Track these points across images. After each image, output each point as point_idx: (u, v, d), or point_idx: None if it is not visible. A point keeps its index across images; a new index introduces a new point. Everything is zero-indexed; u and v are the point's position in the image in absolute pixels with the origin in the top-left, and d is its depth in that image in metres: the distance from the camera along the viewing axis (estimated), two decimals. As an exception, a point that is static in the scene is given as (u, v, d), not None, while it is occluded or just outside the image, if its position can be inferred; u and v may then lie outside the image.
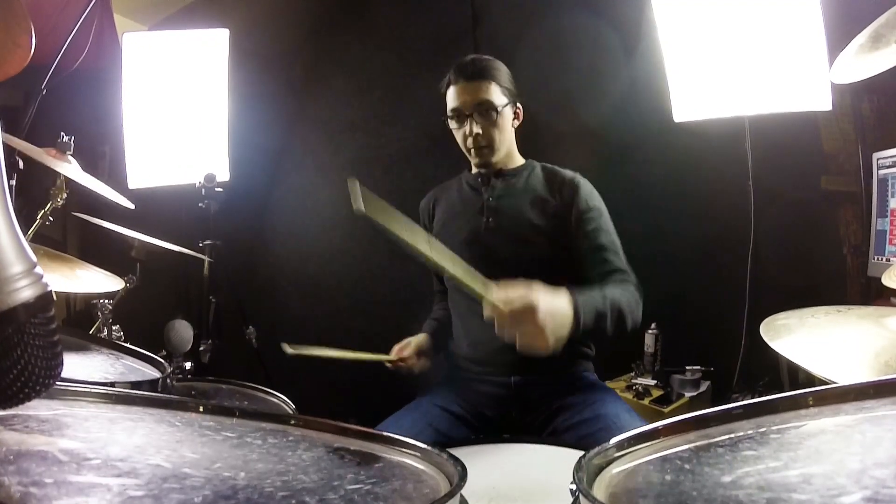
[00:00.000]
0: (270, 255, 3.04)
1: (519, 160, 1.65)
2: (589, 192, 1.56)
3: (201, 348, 2.15)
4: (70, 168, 1.58)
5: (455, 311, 1.63)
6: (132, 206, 1.79)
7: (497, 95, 1.53)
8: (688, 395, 2.18)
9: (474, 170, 1.65)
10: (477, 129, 1.52)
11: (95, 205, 1.91)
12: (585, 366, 1.57)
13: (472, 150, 1.56)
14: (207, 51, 2.72)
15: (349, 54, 2.94)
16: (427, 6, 2.79)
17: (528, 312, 1.08)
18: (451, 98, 1.56)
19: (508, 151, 1.62)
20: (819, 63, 2.01)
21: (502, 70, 1.58)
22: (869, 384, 0.61)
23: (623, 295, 1.37)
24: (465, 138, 1.56)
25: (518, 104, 1.61)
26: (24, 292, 0.48)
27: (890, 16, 1.21)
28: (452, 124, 1.58)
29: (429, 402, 1.47)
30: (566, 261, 1.52)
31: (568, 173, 1.59)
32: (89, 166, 1.75)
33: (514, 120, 1.60)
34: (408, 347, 1.55)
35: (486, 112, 1.53)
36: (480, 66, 1.55)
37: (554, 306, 1.13)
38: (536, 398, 1.46)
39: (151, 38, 2.77)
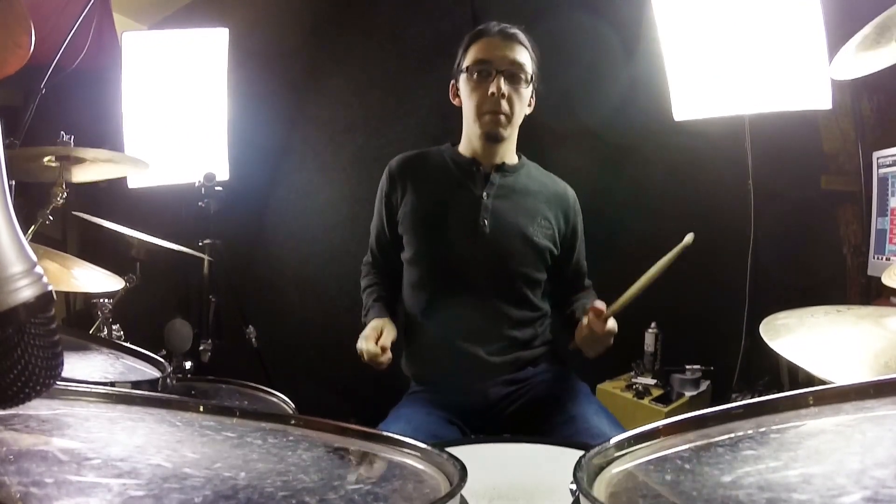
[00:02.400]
0: (270, 255, 3.04)
1: (515, 156, 1.53)
2: (580, 214, 1.55)
3: (201, 348, 2.15)
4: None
5: (419, 320, 1.50)
6: (147, 165, 1.74)
7: (529, 66, 1.41)
8: (688, 394, 2.18)
9: (471, 149, 1.49)
10: (506, 90, 1.37)
11: (95, 204, 1.91)
12: (547, 357, 1.51)
13: (488, 115, 1.39)
14: (207, 50, 2.72)
15: (349, 54, 2.93)
16: (427, 6, 2.79)
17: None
18: (480, 50, 1.40)
19: (512, 140, 1.49)
20: (819, 62, 2.01)
21: (533, 48, 1.46)
22: (869, 384, 0.61)
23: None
24: (483, 98, 1.39)
25: (534, 93, 1.48)
26: (25, 292, 0.48)
27: (898, 7, 1.21)
28: (471, 80, 1.40)
29: (411, 411, 1.41)
30: (548, 275, 1.50)
31: (570, 191, 1.55)
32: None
33: (527, 107, 1.47)
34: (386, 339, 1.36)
35: (517, 76, 1.39)
36: (516, 31, 1.43)
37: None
38: (505, 397, 1.43)
39: (151, 38, 2.77)
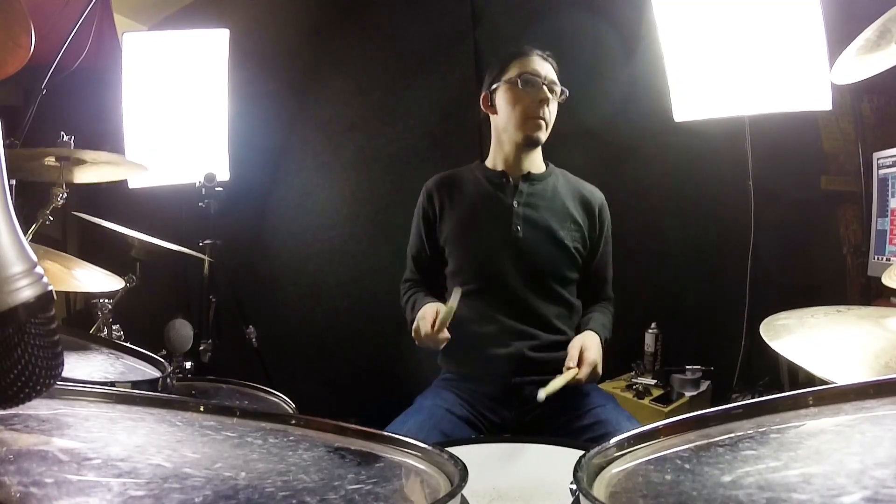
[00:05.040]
0: (270, 255, 3.04)
1: (543, 164, 1.64)
2: (609, 220, 1.63)
3: (201, 348, 2.15)
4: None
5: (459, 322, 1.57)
6: (146, 169, 1.77)
7: (558, 89, 1.57)
8: (688, 394, 2.18)
9: (494, 166, 1.62)
10: (553, 100, 1.53)
11: (95, 204, 1.91)
12: None
13: (533, 120, 1.52)
14: (207, 51, 2.72)
15: (349, 54, 2.94)
16: (427, 6, 2.79)
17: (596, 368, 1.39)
18: (525, 64, 1.54)
19: (537, 150, 1.61)
20: (819, 63, 2.01)
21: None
22: (869, 384, 0.61)
23: (609, 321, 1.61)
24: (529, 105, 1.51)
25: None
26: (25, 292, 0.48)
27: None
28: (515, 90, 1.53)
29: (432, 404, 1.45)
30: (581, 278, 1.59)
31: (597, 194, 1.63)
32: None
33: None
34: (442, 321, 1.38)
35: (555, 92, 1.55)
36: (553, 57, 1.59)
37: (598, 351, 1.42)
38: (535, 399, 1.45)
39: (151, 38, 2.77)
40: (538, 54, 1.57)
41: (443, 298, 1.58)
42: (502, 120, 1.58)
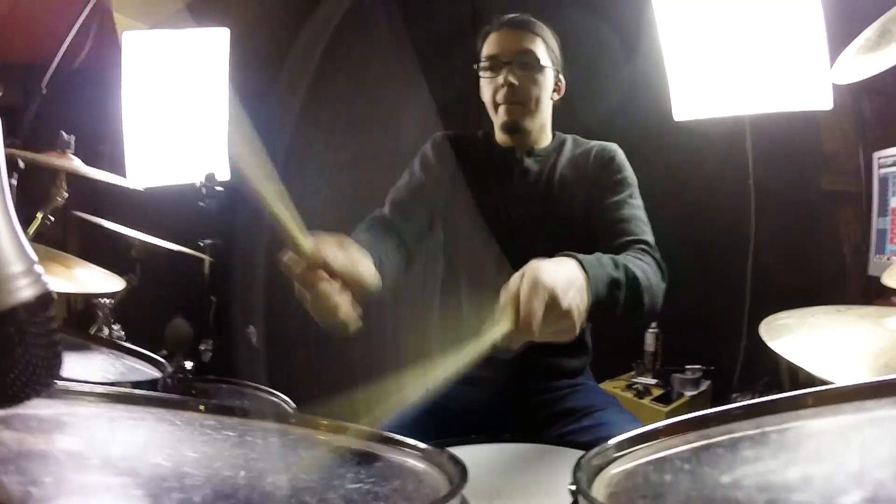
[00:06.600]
0: (270, 255, 3.04)
1: (549, 137, 1.48)
2: (620, 164, 1.41)
3: (201, 348, 2.15)
4: (74, 165, 1.59)
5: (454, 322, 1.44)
6: (141, 188, 1.78)
7: (542, 52, 1.38)
8: (688, 394, 2.19)
9: (501, 139, 1.46)
10: (513, 80, 1.34)
11: (96, 204, 1.91)
12: (585, 371, 1.50)
13: (503, 106, 1.37)
14: (207, 50, 2.72)
15: (349, 54, 2.94)
16: (427, 6, 2.79)
17: (543, 295, 0.83)
18: (488, 46, 1.40)
19: (542, 126, 1.45)
20: (820, 63, 2.01)
21: (550, 33, 1.43)
22: (869, 384, 0.61)
23: (640, 265, 1.09)
24: (495, 91, 1.37)
25: (561, 76, 1.45)
26: (25, 292, 0.47)
27: (897, 10, 1.21)
28: (484, 76, 1.40)
29: (428, 400, 1.43)
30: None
31: (598, 146, 1.43)
32: (89, 165, 1.75)
33: (553, 92, 1.44)
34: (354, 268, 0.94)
35: (528, 64, 1.36)
36: (527, 19, 1.41)
37: (566, 278, 0.88)
38: (536, 403, 1.41)
39: (151, 38, 2.77)
40: (506, 24, 1.40)
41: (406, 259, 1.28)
42: (486, 105, 1.45)
